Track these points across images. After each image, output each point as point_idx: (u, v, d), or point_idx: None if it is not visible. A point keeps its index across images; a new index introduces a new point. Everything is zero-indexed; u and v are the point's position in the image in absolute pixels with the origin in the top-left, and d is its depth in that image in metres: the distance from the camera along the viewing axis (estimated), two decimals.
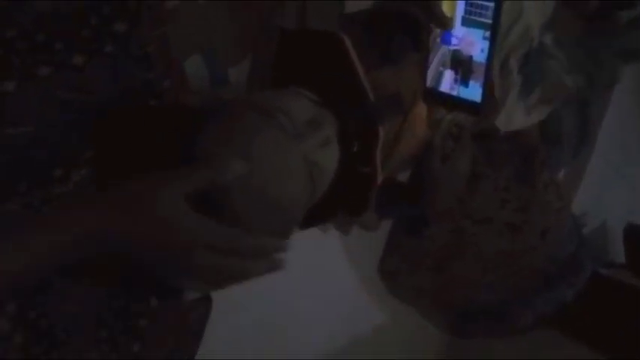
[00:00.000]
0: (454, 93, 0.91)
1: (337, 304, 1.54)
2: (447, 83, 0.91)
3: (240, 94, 0.83)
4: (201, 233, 0.58)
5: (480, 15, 0.85)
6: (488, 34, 0.85)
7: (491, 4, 0.83)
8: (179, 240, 0.57)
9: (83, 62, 0.64)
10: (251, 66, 0.83)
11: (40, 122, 0.64)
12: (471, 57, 0.87)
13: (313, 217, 0.85)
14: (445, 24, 0.82)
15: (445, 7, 0.85)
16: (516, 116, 1.21)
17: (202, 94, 0.78)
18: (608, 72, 1.29)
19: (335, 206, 0.95)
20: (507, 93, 1.18)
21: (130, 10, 0.64)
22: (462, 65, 0.89)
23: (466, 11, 0.86)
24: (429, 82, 0.91)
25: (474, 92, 0.89)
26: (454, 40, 0.87)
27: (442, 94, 0.92)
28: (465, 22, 0.87)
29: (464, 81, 0.89)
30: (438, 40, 0.88)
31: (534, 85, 1.22)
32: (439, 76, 0.91)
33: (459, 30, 0.87)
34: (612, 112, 1.62)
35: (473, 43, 0.87)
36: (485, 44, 0.86)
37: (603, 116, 1.57)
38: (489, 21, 0.84)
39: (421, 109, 1.03)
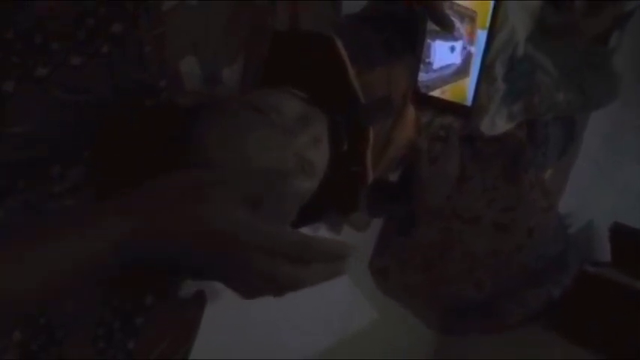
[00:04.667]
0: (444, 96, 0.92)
1: (327, 303, 1.55)
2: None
3: (234, 94, 0.84)
4: (259, 237, 0.51)
5: None
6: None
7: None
8: (236, 243, 0.51)
9: (80, 63, 0.65)
10: (244, 66, 0.84)
11: (39, 122, 0.65)
12: None
13: (305, 217, 0.86)
14: (448, 25, 0.83)
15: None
16: (499, 121, 1.24)
17: (197, 94, 0.79)
18: (606, 86, 1.32)
19: (326, 205, 0.96)
20: (492, 98, 1.20)
21: (126, 11, 0.66)
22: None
23: None
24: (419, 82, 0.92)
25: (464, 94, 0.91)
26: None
27: (432, 97, 0.93)
28: None
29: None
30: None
31: (520, 94, 1.24)
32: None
33: None
34: (599, 113, 1.65)
35: None
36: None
37: (588, 116, 1.59)
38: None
39: (411, 112, 1.05)
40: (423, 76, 0.89)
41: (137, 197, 0.52)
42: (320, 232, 1.27)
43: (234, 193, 0.53)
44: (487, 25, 0.87)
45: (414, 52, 0.89)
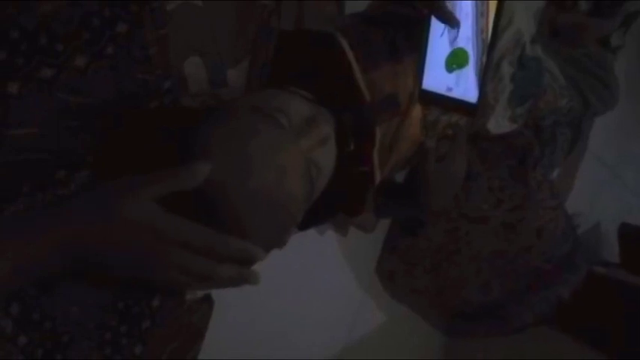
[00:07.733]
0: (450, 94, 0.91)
1: (335, 305, 1.55)
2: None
3: (239, 95, 0.84)
4: (175, 232, 0.57)
5: None
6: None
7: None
8: (152, 240, 0.57)
9: (85, 64, 0.64)
10: (249, 67, 0.84)
11: (43, 124, 0.65)
12: None
13: (311, 218, 0.85)
14: (452, 21, 0.82)
15: None
16: (502, 122, 1.23)
17: (201, 96, 0.78)
18: (606, 95, 1.33)
19: (333, 206, 0.95)
20: (498, 98, 1.19)
21: (131, 11, 0.65)
22: None
23: None
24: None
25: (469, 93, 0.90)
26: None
27: (438, 94, 0.92)
28: None
29: None
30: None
31: (527, 97, 1.24)
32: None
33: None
34: (607, 113, 1.64)
35: None
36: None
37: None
38: None
39: (417, 111, 1.04)
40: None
41: (69, 209, 0.60)
42: (326, 233, 1.27)
43: (152, 193, 0.58)
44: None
45: (419, 51, 0.88)
